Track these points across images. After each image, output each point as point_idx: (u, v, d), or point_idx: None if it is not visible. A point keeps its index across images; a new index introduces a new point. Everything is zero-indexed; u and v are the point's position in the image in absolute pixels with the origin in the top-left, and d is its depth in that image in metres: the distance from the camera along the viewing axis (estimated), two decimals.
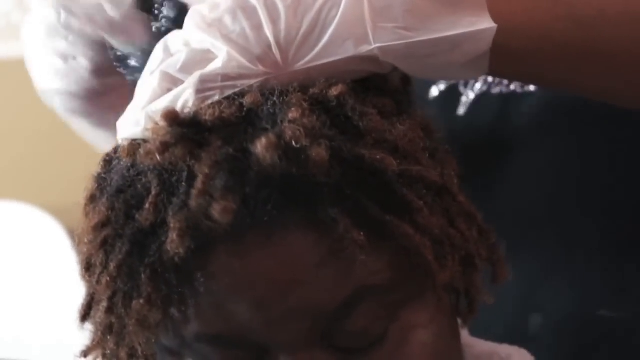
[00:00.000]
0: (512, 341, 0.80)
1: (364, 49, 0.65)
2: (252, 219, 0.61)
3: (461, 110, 0.95)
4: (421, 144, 0.66)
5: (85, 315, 0.68)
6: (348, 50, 0.65)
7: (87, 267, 0.67)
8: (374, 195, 0.62)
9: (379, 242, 0.63)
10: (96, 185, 0.68)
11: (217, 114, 0.63)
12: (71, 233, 2.11)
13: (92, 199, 0.68)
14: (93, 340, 0.68)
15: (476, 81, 0.95)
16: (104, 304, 0.65)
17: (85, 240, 0.66)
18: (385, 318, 0.64)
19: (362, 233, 0.61)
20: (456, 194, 0.67)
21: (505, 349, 0.79)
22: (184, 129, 0.63)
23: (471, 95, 0.95)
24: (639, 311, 0.89)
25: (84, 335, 0.69)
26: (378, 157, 0.62)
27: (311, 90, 0.64)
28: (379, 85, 0.68)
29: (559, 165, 0.89)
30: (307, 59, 0.65)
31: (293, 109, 0.62)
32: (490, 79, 0.94)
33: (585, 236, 0.88)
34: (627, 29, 0.73)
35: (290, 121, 0.61)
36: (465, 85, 0.96)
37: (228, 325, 0.63)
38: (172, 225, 0.61)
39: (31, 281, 2.15)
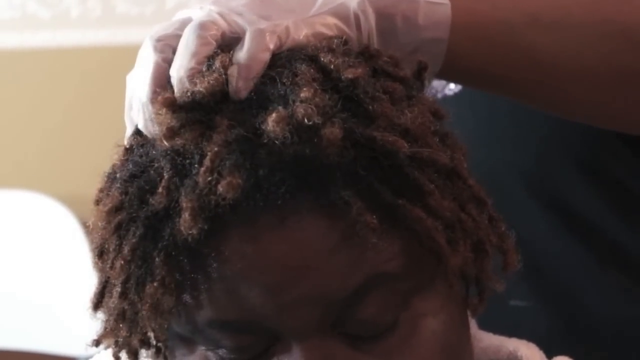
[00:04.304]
0: None
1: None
2: (265, 202, 0.62)
3: None
4: (431, 127, 0.67)
5: (97, 303, 0.68)
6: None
7: (101, 254, 0.67)
8: (385, 179, 0.63)
9: (390, 227, 0.63)
10: (109, 173, 0.68)
11: (208, 86, 0.63)
12: (84, 223, 2.12)
13: (105, 185, 0.68)
14: (105, 328, 0.68)
15: None
16: (118, 288, 0.65)
17: (99, 226, 0.67)
18: (396, 306, 0.65)
19: (374, 216, 0.62)
20: (466, 178, 0.68)
21: (513, 342, 0.79)
22: (187, 113, 0.63)
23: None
24: (543, 301, 0.94)
25: (95, 325, 0.69)
26: (390, 139, 0.63)
27: (324, 62, 0.65)
28: (389, 71, 0.68)
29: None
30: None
31: (305, 88, 0.62)
32: None
33: None
34: (558, 37, 0.76)
35: (302, 100, 0.62)
36: None
37: (240, 311, 0.63)
38: (184, 205, 0.62)
39: (44, 271, 2.16)
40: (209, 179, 0.61)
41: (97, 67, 2.34)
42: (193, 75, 0.65)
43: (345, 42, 0.68)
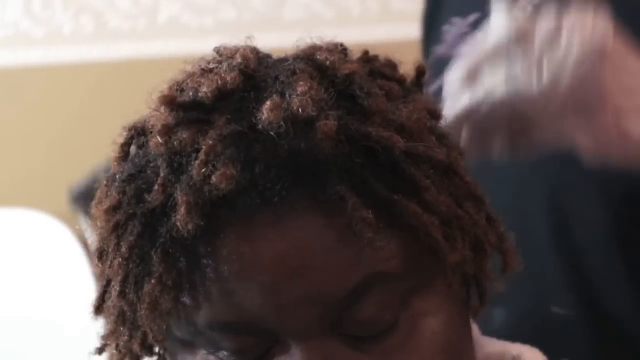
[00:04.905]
0: None
1: None
2: (262, 199, 0.62)
3: None
4: (427, 124, 0.67)
5: (99, 307, 0.68)
6: None
7: (100, 255, 0.67)
8: (381, 175, 0.63)
9: (388, 225, 0.63)
10: (109, 175, 0.69)
11: (212, 88, 0.64)
12: (81, 240, 2.12)
13: (104, 187, 0.68)
14: (106, 332, 0.68)
15: None
16: (117, 288, 0.65)
17: (98, 226, 0.67)
18: (396, 306, 0.65)
19: (370, 212, 0.62)
20: (463, 175, 0.68)
21: (516, 347, 0.79)
22: (185, 112, 0.64)
23: None
24: (584, 309, 0.93)
25: (94, 339, 0.69)
26: (385, 134, 0.63)
27: (320, 60, 0.65)
28: (386, 72, 0.69)
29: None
30: None
31: (301, 82, 0.63)
32: None
33: (540, 236, 0.91)
34: None
35: (298, 94, 0.62)
36: None
37: (239, 312, 0.63)
38: (179, 199, 0.62)
39: (43, 288, 2.16)
40: (203, 170, 0.61)
41: (92, 83, 2.34)
42: None
43: (344, 48, 0.69)
